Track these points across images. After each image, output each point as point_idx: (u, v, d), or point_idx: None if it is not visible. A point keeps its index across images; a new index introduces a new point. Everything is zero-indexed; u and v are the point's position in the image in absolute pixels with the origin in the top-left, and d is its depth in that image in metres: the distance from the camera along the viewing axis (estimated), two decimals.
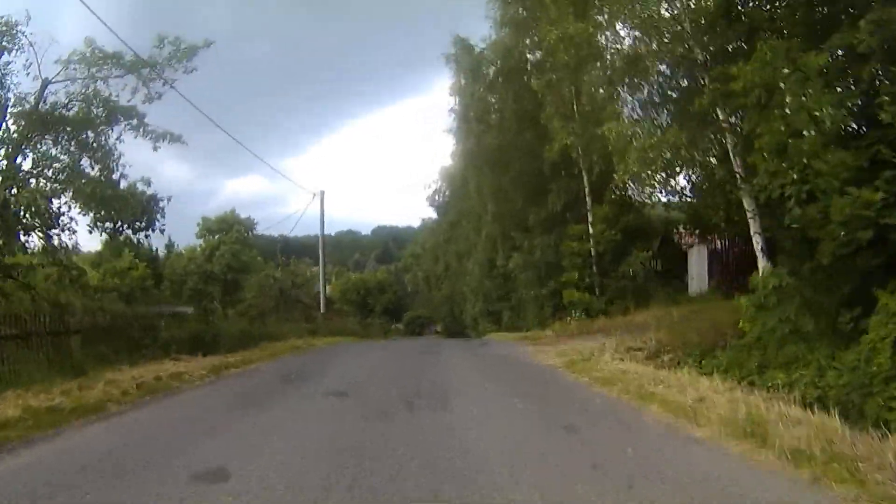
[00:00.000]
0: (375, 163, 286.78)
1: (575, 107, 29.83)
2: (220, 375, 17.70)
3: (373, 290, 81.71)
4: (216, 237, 62.33)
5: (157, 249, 62.21)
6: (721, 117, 20.18)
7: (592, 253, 33.98)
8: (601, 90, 25.23)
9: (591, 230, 34.19)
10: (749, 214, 20.35)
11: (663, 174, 20.61)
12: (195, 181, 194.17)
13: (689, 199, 29.62)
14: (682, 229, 35.85)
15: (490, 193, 40.30)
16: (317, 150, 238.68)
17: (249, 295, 52.22)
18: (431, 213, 72.83)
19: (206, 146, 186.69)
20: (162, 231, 25.29)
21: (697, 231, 33.05)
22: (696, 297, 30.96)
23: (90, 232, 23.54)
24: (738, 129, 20.02)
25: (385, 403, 12.13)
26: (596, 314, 31.35)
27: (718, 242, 32.73)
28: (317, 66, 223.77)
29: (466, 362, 21.63)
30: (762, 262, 20.05)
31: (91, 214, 22.81)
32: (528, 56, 38.12)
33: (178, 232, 64.70)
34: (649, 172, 20.08)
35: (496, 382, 15.76)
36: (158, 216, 24.93)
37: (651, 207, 36.43)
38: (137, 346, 19.88)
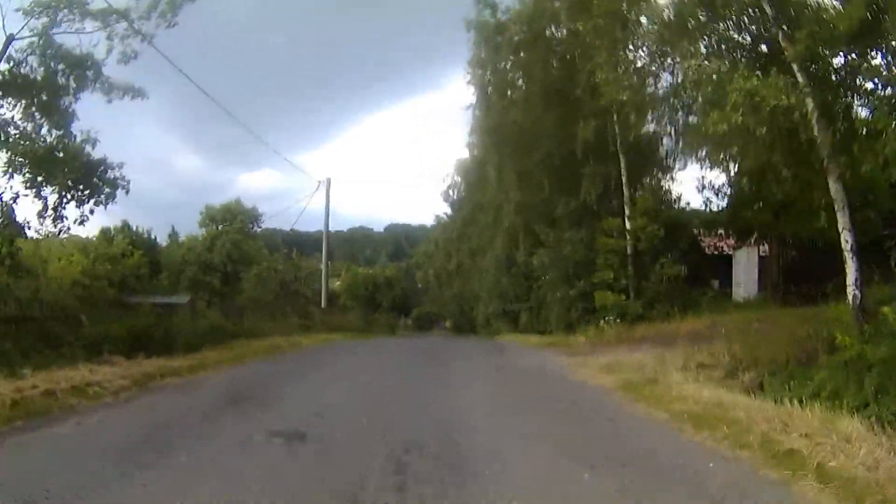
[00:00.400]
0: (389, 160, 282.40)
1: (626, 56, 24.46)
2: (146, 389, 12.64)
3: (381, 286, 76.92)
4: (219, 227, 57.38)
5: (156, 237, 52.78)
6: (801, 80, 15.09)
7: (628, 250, 28.93)
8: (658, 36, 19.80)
9: (626, 224, 29.17)
10: (837, 205, 15.28)
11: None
12: (208, 173, 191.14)
13: (728, 195, 25.59)
14: (720, 232, 30.66)
15: (513, 179, 34.56)
16: (330, 146, 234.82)
17: (247, 286, 46.91)
18: (446, 210, 69.32)
19: (220, 138, 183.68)
20: (99, 203, 20.04)
21: (734, 234, 28.49)
22: (745, 305, 26.74)
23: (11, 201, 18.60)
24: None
25: (357, 467, 7.07)
26: (633, 320, 26.34)
27: (763, 245, 28.95)
28: (330, 61, 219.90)
29: (486, 379, 16.18)
30: (852, 264, 14.96)
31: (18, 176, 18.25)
32: (554, 32, 32.67)
33: (192, 225, 60.81)
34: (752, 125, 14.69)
35: (538, 421, 10.38)
36: (119, 189, 20.26)
37: (684, 208, 31.70)
38: (57, 343, 14.93)
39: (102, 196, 19.97)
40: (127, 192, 20.60)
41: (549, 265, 32.71)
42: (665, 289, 27.55)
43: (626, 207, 29.29)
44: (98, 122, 20.10)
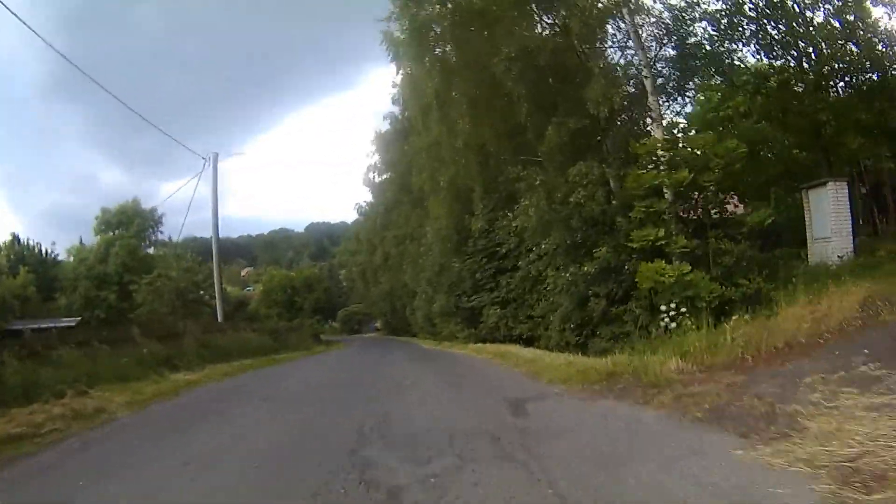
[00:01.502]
0: (308, 160, 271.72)
1: None
2: None
3: (300, 289, 66.17)
4: (114, 232, 48.63)
5: (47, 252, 50.07)
6: None
7: (666, 193, 14.95)
8: None
9: (659, 150, 15.10)
10: None
11: None
12: (132, 186, 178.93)
13: None
14: None
15: (464, 95, 18.89)
16: (250, 148, 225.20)
17: (141, 299, 39.70)
18: (367, 199, 57.69)
19: (141, 148, 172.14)
20: None
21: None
22: (860, 268, 14.44)
23: None
24: None
25: None
26: (719, 310, 13.08)
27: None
28: (249, 64, 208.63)
29: None
30: None
31: None
32: None
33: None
34: None
35: None
36: None
37: None
38: None
39: None
40: None
41: (539, 226, 18.27)
42: (745, 253, 14.48)
43: (655, 129, 16.33)
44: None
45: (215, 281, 33.26)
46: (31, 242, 49.13)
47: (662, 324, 13.30)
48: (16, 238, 48.54)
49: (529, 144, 18.18)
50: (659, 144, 14.99)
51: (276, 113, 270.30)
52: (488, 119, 18.73)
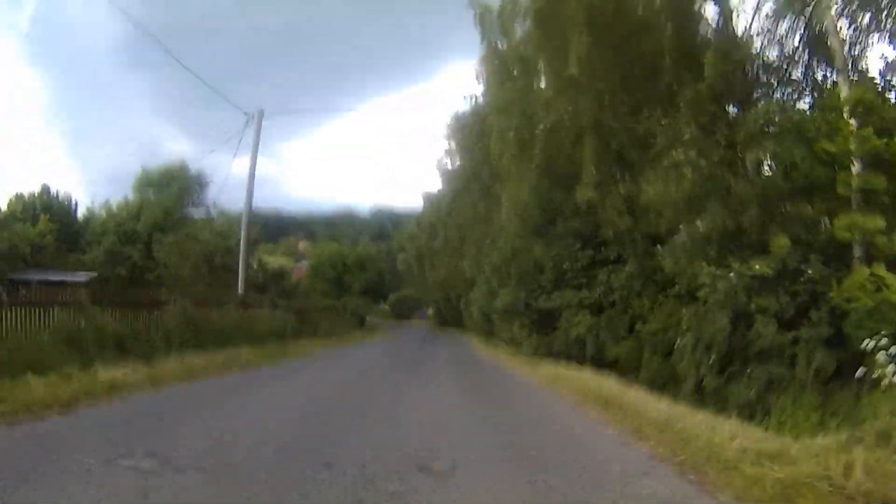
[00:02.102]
0: (380, 144, 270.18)
1: None
2: None
3: (352, 267, 64.78)
4: (152, 192, 47.72)
5: (76, 203, 48.37)
6: None
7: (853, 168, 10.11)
8: None
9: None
10: None
11: None
12: (197, 159, 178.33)
13: None
14: None
15: (583, 9, 12.87)
16: (325, 130, 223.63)
17: (164, 258, 35.94)
18: (436, 187, 53.50)
19: (209, 122, 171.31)
20: None
21: None
22: None
23: None
24: None
25: None
26: None
27: None
28: (327, 42, 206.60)
29: None
30: None
31: None
32: None
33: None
34: None
35: None
36: None
37: None
38: None
39: None
40: None
41: (687, 198, 12.19)
42: None
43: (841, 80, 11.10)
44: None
45: (241, 246, 29.07)
46: (60, 193, 47.50)
47: (879, 372, 7.87)
48: (45, 189, 46.71)
49: (660, 96, 12.73)
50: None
51: (352, 94, 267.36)
52: (609, 49, 13.04)
